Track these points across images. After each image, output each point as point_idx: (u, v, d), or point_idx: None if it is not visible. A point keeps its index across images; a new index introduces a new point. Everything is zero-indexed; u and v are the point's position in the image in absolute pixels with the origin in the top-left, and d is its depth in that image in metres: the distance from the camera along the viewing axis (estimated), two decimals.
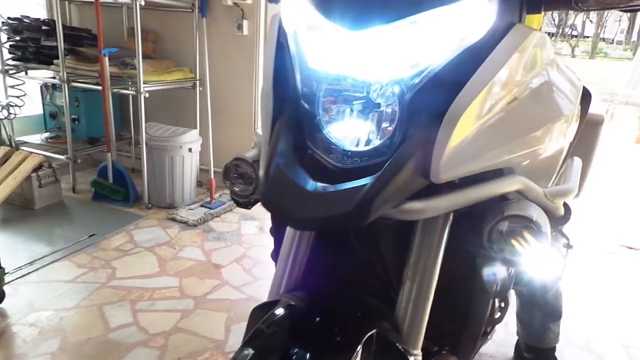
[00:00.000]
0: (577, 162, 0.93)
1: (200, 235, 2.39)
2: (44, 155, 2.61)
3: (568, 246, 1.06)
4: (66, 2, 3.07)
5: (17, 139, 2.88)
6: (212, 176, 2.81)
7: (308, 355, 0.60)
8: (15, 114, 2.73)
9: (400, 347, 0.65)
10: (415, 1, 0.55)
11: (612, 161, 5.63)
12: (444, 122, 0.56)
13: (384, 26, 0.55)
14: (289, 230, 0.76)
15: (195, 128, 2.78)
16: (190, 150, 2.63)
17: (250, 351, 0.64)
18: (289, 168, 0.59)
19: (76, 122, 2.89)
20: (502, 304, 0.86)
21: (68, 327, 1.60)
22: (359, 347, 0.61)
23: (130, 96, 3.02)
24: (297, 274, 0.75)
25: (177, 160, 2.59)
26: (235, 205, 2.62)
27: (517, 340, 1.61)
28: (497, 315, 0.87)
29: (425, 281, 0.68)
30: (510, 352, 1.64)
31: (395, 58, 0.57)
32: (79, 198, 2.73)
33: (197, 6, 2.73)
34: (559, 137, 0.73)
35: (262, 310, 0.71)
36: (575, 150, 1.28)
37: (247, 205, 0.88)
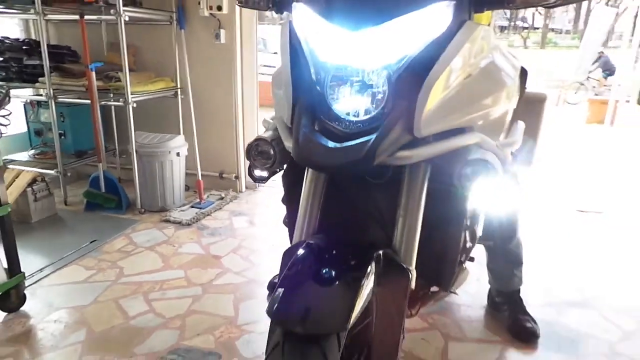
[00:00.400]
0: (521, 124, 1.18)
1: (195, 232, 2.55)
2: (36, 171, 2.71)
3: (519, 188, 1.32)
4: (40, 19, 3.16)
5: (3, 157, 2.95)
6: (200, 178, 2.97)
7: (334, 272, 0.80)
8: (2, 134, 2.82)
9: (400, 262, 0.87)
10: (395, 8, 0.77)
11: (566, 139, 6.10)
12: (420, 94, 0.79)
13: (374, 27, 0.77)
14: (305, 189, 0.97)
15: (180, 134, 2.94)
16: (178, 154, 2.79)
17: (285, 285, 0.83)
18: (312, 134, 0.81)
19: (62, 137, 2.99)
20: (471, 238, 1.10)
21: (90, 320, 1.75)
22: (371, 264, 0.83)
23: (113, 108, 3.15)
24: (314, 222, 0.96)
25: (166, 165, 2.75)
26: (223, 204, 2.80)
27: (489, 289, 1.86)
28: (469, 245, 1.10)
29: (413, 215, 0.90)
30: (484, 300, 1.90)
31: (383, 50, 0.80)
32: (72, 209, 2.84)
33: (175, 19, 2.90)
34: (503, 103, 0.97)
35: (290, 252, 0.91)
36: (524, 122, 1.54)
37: (264, 179, 1.09)
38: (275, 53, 12.25)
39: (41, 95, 2.91)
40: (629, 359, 1.60)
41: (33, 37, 3.31)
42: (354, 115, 0.83)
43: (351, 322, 0.71)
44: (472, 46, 0.85)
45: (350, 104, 0.83)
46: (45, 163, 2.97)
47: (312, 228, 0.95)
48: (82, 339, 1.64)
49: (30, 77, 2.90)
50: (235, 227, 2.62)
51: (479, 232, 1.33)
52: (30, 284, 1.96)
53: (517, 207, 1.63)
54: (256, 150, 1.03)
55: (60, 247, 2.32)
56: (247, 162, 1.08)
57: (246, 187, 3.27)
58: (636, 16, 7.21)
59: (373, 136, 0.77)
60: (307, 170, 0.97)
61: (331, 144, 0.79)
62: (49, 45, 2.74)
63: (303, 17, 0.87)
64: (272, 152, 1.02)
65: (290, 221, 1.24)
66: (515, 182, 1.34)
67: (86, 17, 2.60)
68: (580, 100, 8.83)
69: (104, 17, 2.76)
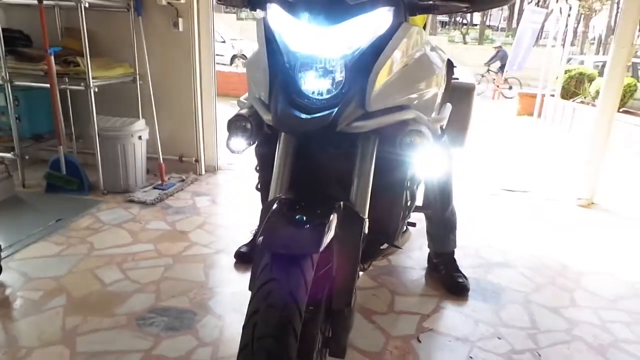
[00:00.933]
0: (448, 106, 1.46)
1: (160, 211, 2.69)
2: None
3: (450, 156, 1.61)
4: None
5: None
6: (162, 161, 3.08)
7: (305, 217, 1.02)
8: None
9: (357, 212, 1.11)
10: (349, 11, 1.00)
11: (497, 129, 6.66)
12: (369, 78, 1.03)
13: (334, 26, 1.00)
14: (278, 154, 1.18)
15: (139, 119, 3.03)
16: (140, 138, 2.89)
17: (269, 226, 1.03)
18: (287, 108, 1.02)
19: (18, 121, 2.98)
20: (411, 198, 1.36)
21: (68, 287, 1.87)
22: (333, 213, 1.06)
23: (69, 92, 3.17)
24: (286, 181, 1.17)
25: (128, 147, 2.84)
26: (185, 186, 2.94)
27: (429, 253, 2.17)
28: (409, 203, 1.36)
29: (366, 175, 1.14)
30: (425, 264, 2.20)
31: (341, 43, 1.02)
32: (32, 192, 2.87)
33: (132, 6, 2.98)
34: (433, 87, 1.23)
35: (268, 206, 1.12)
36: (455, 110, 1.84)
37: (240, 152, 1.29)
38: (224, 42, 12.23)
39: None
40: (539, 305, 1.95)
41: None
42: (319, 94, 1.05)
43: (321, 247, 0.93)
44: (408, 42, 1.10)
45: (315, 85, 1.05)
46: (1, 146, 2.97)
47: (285, 186, 1.17)
48: (62, 303, 1.77)
49: None
50: (198, 206, 2.78)
51: (419, 200, 1.60)
52: (2, 258, 2.03)
53: (450, 180, 1.93)
54: (236, 125, 1.23)
55: (26, 225, 2.38)
56: (226, 136, 1.27)
57: (206, 170, 3.41)
58: (564, 17, 7.91)
59: (335, 109, 1.00)
60: (280, 139, 1.18)
61: (303, 115, 1.01)
62: (1, 29, 2.73)
63: (276, 15, 1.09)
64: (249, 126, 1.22)
65: (263, 186, 1.45)
66: (446, 151, 1.63)
67: (44, 2, 2.62)
68: (515, 95, 9.56)
69: (62, 2, 2.80)
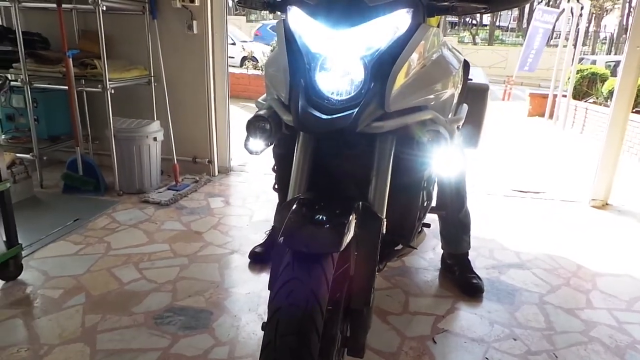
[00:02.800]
0: (465, 106, 1.46)
1: (175, 212, 2.72)
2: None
3: (464, 156, 1.62)
4: (15, 7, 3.18)
5: None
6: (176, 162, 3.12)
7: (325, 218, 1.04)
8: None
9: (374, 211, 1.12)
10: (369, 13, 1.01)
11: (509, 130, 6.61)
12: (389, 79, 1.04)
13: (353, 27, 1.01)
14: (297, 155, 1.19)
15: (154, 120, 3.07)
16: (155, 139, 2.93)
17: (290, 225, 1.05)
18: (308, 108, 1.04)
19: (36, 122, 3.04)
20: (427, 197, 1.37)
21: (87, 286, 1.90)
22: (352, 212, 1.07)
23: (85, 95, 3.22)
24: (305, 181, 1.18)
25: (144, 149, 2.88)
26: (198, 187, 2.97)
27: (442, 254, 2.17)
28: (425, 204, 1.37)
29: (383, 176, 1.15)
30: (439, 265, 2.20)
31: (361, 44, 1.04)
32: (50, 192, 2.93)
33: (147, 9, 3.02)
34: (450, 88, 1.24)
35: (287, 206, 1.13)
36: (469, 111, 1.84)
37: (259, 152, 1.30)
38: (234, 43, 12.29)
39: (15, 80, 2.95)
40: (555, 306, 1.94)
41: (1, 23, 3.32)
42: (338, 95, 1.06)
43: (342, 246, 0.95)
44: (426, 43, 1.11)
45: (334, 86, 1.06)
46: (19, 147, 3.02)
47: (304, 186, 1.18)
48: (82, 301, 1.80)
49: (2, 62, 2.93)
50: (212, 207, 2.81)
51: (434, 199, 1.61)
52: (23, 257, 2.07)
53: (464, 181, 1.93)
54: (255, 126, 1.24)
55: (44, 225, 2.42)
56: (245, 137, 1.29)
57: (219, 172, 3.44)
58: (575, 17, 7.85)
59: (355, 110, 1.01)
60: (298, 140, 1.20)
61: (323, 116, 1.02)
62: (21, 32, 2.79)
63: (296, 17, 1.10)
64: (268, 127, 1.23)
65: (280, 186, 1.46)
66: (461, 152, 1.64)
67: (62, 5, 2.67)
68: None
69: (79, 5, 2.85)
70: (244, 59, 11.53)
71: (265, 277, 2.03)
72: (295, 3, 1.09)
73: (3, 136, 3.14)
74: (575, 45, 7.82)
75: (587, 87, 7.58)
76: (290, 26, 1.11)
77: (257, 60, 9.94)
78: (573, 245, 2.53)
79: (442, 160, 1.13)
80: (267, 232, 2.29)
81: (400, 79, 1.05)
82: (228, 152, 3.45)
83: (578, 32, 7.90)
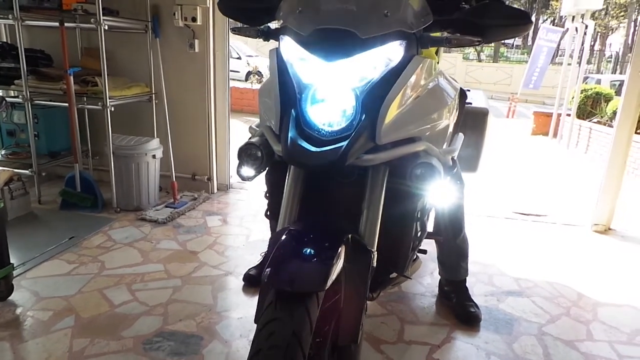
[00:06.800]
0: (461, 136, 1.44)
1: (171, 230, 2.70)
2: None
3: (462, 184, 1.60)
4: (18, 25, 3.21)
5: None
6: (174, 179, 3.11)
7: (312, 251, 1.01)
8: None
9: (364, 244, 1.10)
10: (361, 45, 1.00)
11: (511, 149, 6.59)
12: (381, 111, 1.02)
13: (345, 59, 1.00)
14: (287, 184, 1.18)
15: (154, 137, 3.07)
16: (154, 156, 2.92)
17: (275, 260, 1.03)
18: (297, 140, 1.02)
19: (36, 138, 3.05)
20: (421, 229, 1.34)
21: (78, 308, 1.88)
22: (341, 246, 1.05)
23: (86, 111, 3.23)
24: (295, 212, 1.16)
25: (142, 166, 2.88)
26: (197, 204, 2.95)
27: (440, 280, 2.13)
28: (419, 234, 1.34)
29: (375, 207, 1.13)
30: (436, 290, 2.16)
31: (352, 76, 1.02)
32: (47, 208, 2.92)
33: (150, 28, 3.04)
34: (445, 118, 1.22)
35: (276, 236, 1.11)
36: (468, 135, 1.81)
37: (250, 178, 1.29)
38: (239, 58, 12.41)
39: (16, 97, 2.97)
40: (554, 338, 1.89)
41: (5, 39, 3.36)
42: (329, 126, 1.05)
43: (327, 285, 0.92)
44: (420, 74, 1.10)
45: (326, 117, 1.05)
46: (18, 163, 3.03)
47: (293, 216, 1.16)
48: (71, 324, 1.77)
49: (4, 79, 2.96)
50: (209, 226, 2.79)
51: (430, 226, 1.58)
52: (15, 276, 2.05)
53: (462, 207, 1.90)
54: (246, 153, 1.23)
55: (39, 243, 2.41)
56: (237, 163, 1.27)
57: (218, 189, 3.43)
58: (580, 36, 7.87)
59: (344, 143, 0.99)
60: (290, 169, 1.18)
61: (312, 148, 1.00)
62: (24, 49, 2.81)
63: (288, 47, 1.09)
64: (259, 154, 1.22)
65: (272, 213, 1.44)
66: (458, 182, 1.61)
67: (65, 24, 2.69)
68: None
69: (82, 25, 2.87)
70: (249, 73, 11.63)
71: None
72: (288, 33, 1.08)
73: (3, 151, 3.15)
74: (579, 64, 7.82)
75: (591, 107, 7.55)
76: (283, 55, 1.10)
77: (262, 75, 10.01)
78: (574, 272, 2.48)
79: (436, 192, 1.11)
80: (263, 254, 2.26)
81: (393, 111, 1.04)
82: (227, 170, 3.44)
83: (582, 50, 7.91)
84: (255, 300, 1.99)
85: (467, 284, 2.05)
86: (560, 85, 7.88)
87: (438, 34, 1.18)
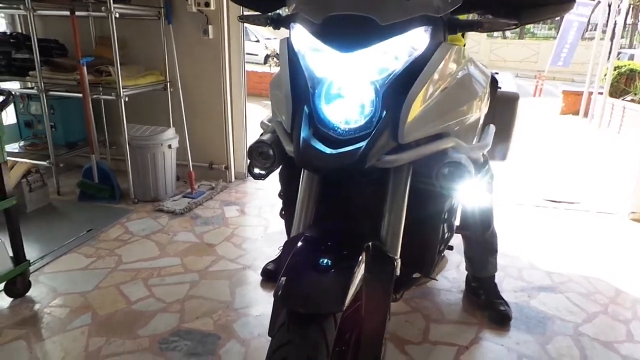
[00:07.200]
0: (492, 128, 1.32)
1: (188, 221, 2.65)
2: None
3: (492, 179, 1.47)
4: (30, 15, 3.17)
5: None
6: (191, 169, 3.06)
7: (330, 262, 0.93)
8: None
9: (386, 252, 1.00)
10: (381, 33, 0.89)
11: (540, 130, 6.32)
12: (404, 106, 0.91)
13: (363, 49, 0.89)
14: (302, 187, 1.09)
15: (169, 127, 3.01)
16: (169, 146, 2.87)
17: (290, 270, 0.95)
18: (311, 141, 0.92)
19: (53, 129, 3.03)
20: (449, 230, 1.24)
21: (94, 304, 1.85)
22: (361, 254, 0.96)
23: (102, 100, 3.19)
24: (310, 216, 1.07)
25: (158, 156, 2.83)
26: (214, 194, 2.89)
27: (467, 275, 2.02)
28: (447, 236, 1.24)
29: (398, 211, 1.03)
30: (463, 286, 2.06)
31: (371, 68, 0.91)
32: (66, 199, 2.91)
33: (163, 14, 2.96)
34: (476, 110, 1.10)
35: (290, 243, 1.03)
36: (498, 121, 1.68)
37: (263, 177, 1.20)
38: (257, 41, 12.26)
39: (31, 88, 2.95)
40: (591, 338, 1.76)
41: (19, 30, 3.32)
42: (346, 124, 0.95)
43: (345, 304, 0.84)
44: (447, 63, 0.98)
45: (342, 115, 0.94)
46: (36, 154, 3.02)
47: (309, 221, 1.07)
48: (88, 322, 1.74)
49: (19, 70, 2.93)
50: (227, 216, 2.73)
51: (456, 223, 1.47)
52: (33, 271, 2.03)
53: (491, 201, 1.78)
54: (257, 152, 1.14)
55: (57, 236, 2.40)
56: (248, 161, 1.19)
57: (235, 177, 3.37)
58: (613, 10, 7.44)
59: (364, 143, 0.89)
60: (304, 169, 1.09)
61: (328, 150, 0.90)
62: (37, 39, 2.76)
63: (300, 36, 0.98)
64: (271, 152, 1.12)
65: (287, 214, 1.36)
66: (489, 179, 1.49)
67: (76, 12, 2.63)
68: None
69: (93, 13, 2.80)
70: (267, 56, 11.49)
71: None
72: (299, 21, 0.97)
73: (22, 143, 3.14)
74: (612, 39, 7.41)
75: (624, 84, 7.18)
76: (294, 46, 0.99)
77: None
78: (611, 265, 2.34)
79: (465, 192, 1.00)
80: (281, 248, 2.19)
81: (417, 106, 0.92)
82: (245, 158, 3.37)
83: (615, 25, 7.49)
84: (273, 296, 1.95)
85: (495, 280, 1.94)
86: (592, 61, 7.49)
87: (464, 17, 1.06)
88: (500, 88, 1.88)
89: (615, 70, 7.18)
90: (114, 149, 3.34)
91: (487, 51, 17.11)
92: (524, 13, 0.98)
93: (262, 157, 1.14)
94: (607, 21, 7.61)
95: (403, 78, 0.91)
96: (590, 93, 7.39)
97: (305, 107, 0.96)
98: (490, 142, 1.19)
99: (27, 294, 1.89)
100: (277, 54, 10.15)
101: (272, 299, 1.81)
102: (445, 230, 1.22)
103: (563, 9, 1.00)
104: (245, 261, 2.23)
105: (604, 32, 7.86)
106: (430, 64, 0.92)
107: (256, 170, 1.18)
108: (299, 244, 0.99)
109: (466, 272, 2.03)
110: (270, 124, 1.20)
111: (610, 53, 7.42)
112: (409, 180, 1.04)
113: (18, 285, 1.84)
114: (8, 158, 2.82)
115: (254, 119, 3.34)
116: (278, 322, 0.84)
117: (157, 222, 2.63)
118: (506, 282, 2.11)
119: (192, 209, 2.81)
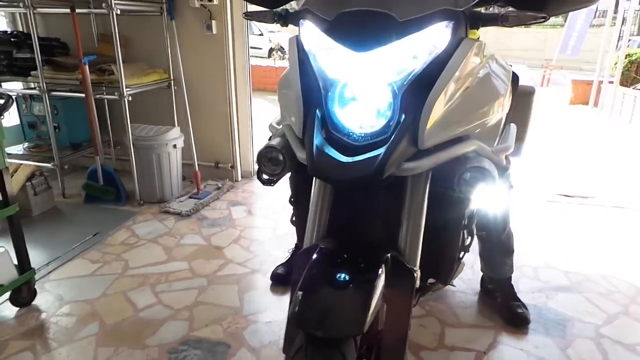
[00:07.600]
0: (513, 127, 1.26)
1: (195, 223, 2.61)
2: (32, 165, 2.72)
3: (511, 187, 1.40)
4: (30, 13, 3.12)
5: None
6: (197, 169, 3.01)
7: (347, 277, 0.87)
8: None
9: (406, 264, 0.95)
10: (399, 30, 0.82)
11: (549, 121, 6.21)
12: (424, 109, 0.85)
13: (380, 48, 0.82)
14: (314, 194, 1.03)
15: (174, 126, 2.96)
16: (174, 146, 2.82)
17: (306, 282, 0.89)
18: (324, 148, 0.86)
19: (57, 130, 2.99)
20: (469, 236, 1.18)
21: (101, 313, 1.81)
22: (380, 267, 0.90)
23: (106, 100, 3.14)
24: (323, 225, 1.02)
25: (163, 157, 2.78)
26: (221, 194, 2.84)
27: (482, 276, 1.96)
28: (467, 243, 1.18)
29: (417, 218, 0.97)
30: (478, 287, 2.00)
31: (388, 68, 0.85)
32: (71, 202, 2.87)
33: (165, 10, 2.89)
34: (498, 110, 1.04)
35: (303, 255, 0.98)
36: (513, 116, 1.61)
37: (272, 182, 1.14)
38: (261, 34, 12.15)
39: (33, 88, 2.90)
40: (613, 341, 1.70)
41: (20, 29, 3.27)
42: (360, 128, 0.88)
43: (366, 326, 0.78)
44: (469, 61, 0.91)
45: (357, 119, 0.88)
46: (41, 156, 2.98)
47: (322, 231, 1.01)
48: (95, 331, 1.70)
49: (20, 70, 2.88)
50: (234, 218, 2.68)
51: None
52: (39, 278, 2.00)
53: (509, 202, 1.71)
54: (266, 157, 1.08)
55: (63, 240, 2.36)
56: (256, 167, 1.14)
57: (242, 176, 3.31)
58: None
59: (382, 150, 0.83)
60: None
61: (343, 158, 0.84)
62: (39, 38, 2.71)
63: (310, 34, 0.92)
64: (281, 158, 1.06)
65: (297, 221, 1.30)
66: (509, 182, 1.42)
67: (76, 10, 2.57)
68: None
69: (94, 10, 2.74)
70: (271, 50, 11.40)
71: (287, 301, 1.88)
72: (309, 17, 0.90)
73: (26, 144, 3.11)
74: (622, 27, 7.26)
75: (635, 73, 7.03)
76: (304, 44, 0.93)
77: (285, 51, 9.77)
78: (629, 262, 2.27)
79: (488, 197, 0.94)
80: (290, 251, 2.14)
81: (438, 109, 0.86)
82: (251, 157, 3.31)
83: (626, 10, 7.32)
84: (283, 301, 1.90)
85: (512, 281, 1.88)
86: (601, 50, 7.34)
87: (481, 9, 0.99)
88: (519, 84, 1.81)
89: (625, 58, 7.03)
90: (119, 149, 3.29)
91: (492, 41, 16.84)
92: (551, 3, 0.91)
93: (271, 162, 1.08)
94: (617, 7, 7.44)
95: (423, 78, 0.85)
96: (600, 82, 7.25)
97: (317, 110, 0.90)
98: (512, 144, 1.13)
99: (33, 302, 1.85)
100: (281, 47, 10.07)
101: (282, 304, 1.76)
102: (466, 236, 1.16)
103: None
104: (254, 265, 2.18)
105: (613, 18, 7.68)
106: (451, 63, 0.85)
107: (265, 177, 1.13)
108: (314, 256, 0.94)
109: (481, 273, 1.97)
110: (279, 127, 1.15)
111: (619, 40, 7.27)
112: (427, 186, 0.98)
113: (24, 294, 1.81)
114: (12, 161, 2.80)
115: (259, 113, 3.28)
116: (295, 345, 0.78)
117: (164, 224, 2.58)
118: (522, 283, 2.05)
119: (198, 210, 2.76)
